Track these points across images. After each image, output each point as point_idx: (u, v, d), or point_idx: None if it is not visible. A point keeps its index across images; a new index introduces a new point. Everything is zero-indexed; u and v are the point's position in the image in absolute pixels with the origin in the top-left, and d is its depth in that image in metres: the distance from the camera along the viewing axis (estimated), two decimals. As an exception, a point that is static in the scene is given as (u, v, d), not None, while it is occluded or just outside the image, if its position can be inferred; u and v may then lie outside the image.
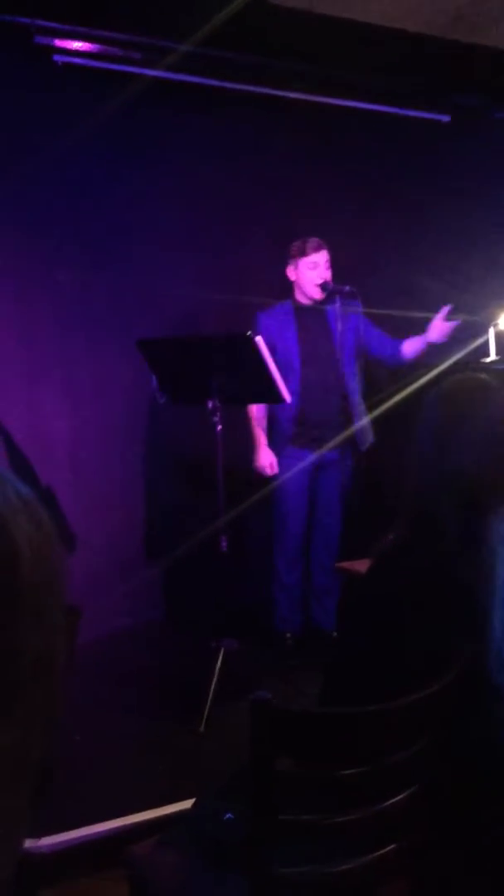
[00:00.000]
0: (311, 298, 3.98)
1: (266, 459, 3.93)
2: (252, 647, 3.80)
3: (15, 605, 0.42)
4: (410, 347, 4.07)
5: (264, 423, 3.98)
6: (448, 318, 3.95)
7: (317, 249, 3.93)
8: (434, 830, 1.49)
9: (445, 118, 4.98)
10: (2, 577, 0.42)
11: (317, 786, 1.41)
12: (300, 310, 4.01)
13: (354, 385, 4.05)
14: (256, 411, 3.95)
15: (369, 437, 4.08)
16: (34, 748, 0.44)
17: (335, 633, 4.01)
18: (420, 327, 4.06)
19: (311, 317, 4.01)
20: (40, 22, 3.83)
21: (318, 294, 3.94)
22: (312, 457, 3.97)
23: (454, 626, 1.49)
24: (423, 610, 1.52)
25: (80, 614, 3.38)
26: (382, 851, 1.42)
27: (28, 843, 2.46)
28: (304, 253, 3.92)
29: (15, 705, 0.42)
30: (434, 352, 4.08)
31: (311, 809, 1.39)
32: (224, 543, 3.42)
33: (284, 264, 4.04)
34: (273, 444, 3.97)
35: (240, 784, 1.58)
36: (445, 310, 3.95)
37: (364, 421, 4.04)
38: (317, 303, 3.99)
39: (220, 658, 3.34)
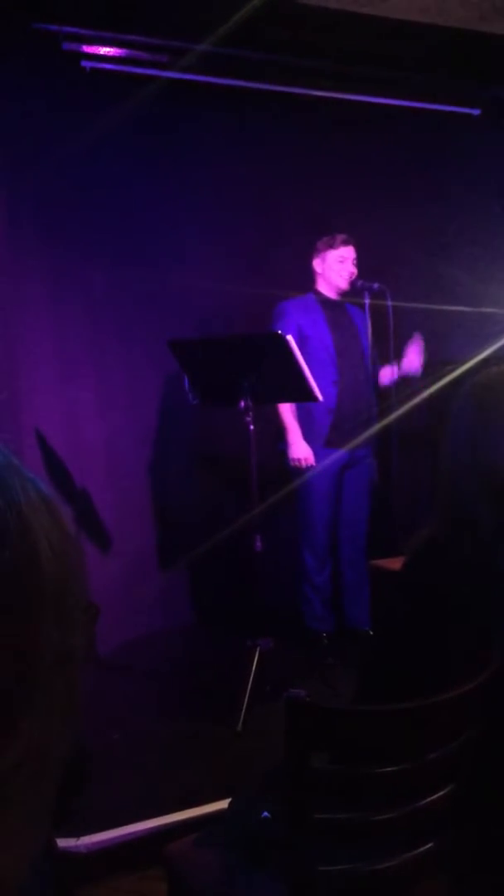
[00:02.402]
0: (338, 291, 3.98)
1: (301, 452, 3.83)
2: (287, 647, 3.80)
3: (36, 603, 0.42)
4: (386, 375, 4.09)
5: (296, 414, 3.90)
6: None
7: (345, 244, 3.95)
8: (473, 828, 1.48)
9: (476, 112, 4.94)
10: (23, 575, 0.42)
11: (353, 783, 1.40)
12: (326, 303, 4.01)
13: (374, 383, 4.08)
14: (289, 406, 3.88)
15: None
16: (57, 744, 0.45)
17: (370, 630, 4.00)
18: (449, 321, 4.04)
19: (337, 311, 4.02)
20: (68, 28, 3.88)
21: (346, 286, 3.95)
22: (342, 454, 3.95)
23: (493, 620, 1.48)
24: (462, 605, 1.50)
25: (98, 610, 3.41)
26: (420, 850, 1.41)
27: (67, 843, 2.48)
28: (332, 246, 3.94)
29: (36, 702, 0.42)
30: (464, 347, 4.05)
31: (348, 807, 1.38)
32: (258, 543, 3.42)
33: (310, 257, 4.05)
34: (306, 441, 3.90)
35: (276, 782, 1.58)
36: (417, 337, 3.96)
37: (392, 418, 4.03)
38: (342, 296, 3.99)
39: (256, 658, 3.34)
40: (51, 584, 0.43)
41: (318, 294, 4.02)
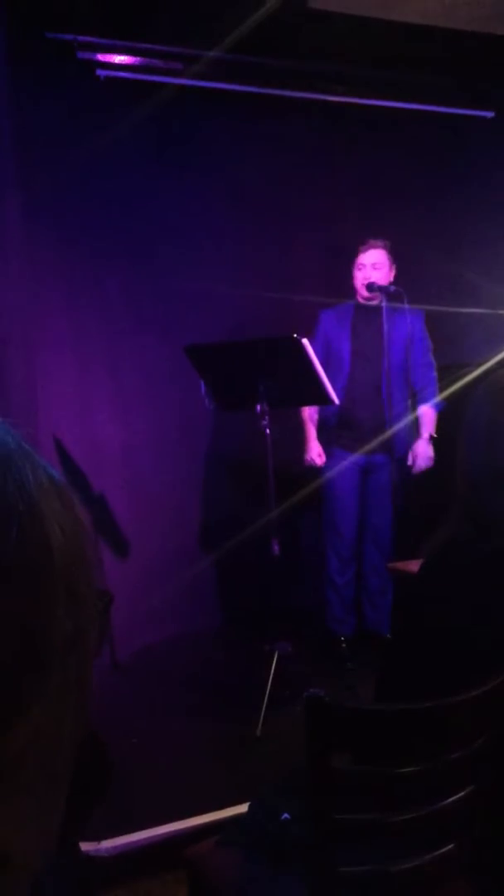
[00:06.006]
0: (362, 298, 3.99)
1: (314, 451, 4.00)
2: (305, 650, 3.79)
3: (47, 587, 0.42)
4: (424, 419, 4.04)
5: (315, 417, 4.05)
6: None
7: (364, 250, 3.95)
8: (496, 829, 1.47)
9: (489, 114, 4.93)
10: (33, 559, 0.42)
11: (374, 784, 1.40)
12: (358, 309, 4.03)
13: (398, 388, 3.99)
14: (308, 408, 4.03)
15: (406, 446, 4.03)
16: (68, 729, 0.45)
17: (389, 635, 3.98)
18: (466, 322, 4.01)
19: (366, 316, 4.00)
20: (83, 38, 3.91)
21: (365, 293, 3.94)
22: (360, 458, 3.95)
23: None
24: (481, 606, 1.50)
25: (112, 598, 3.40)
26: (443, 850, 1.40)
27: (90, 847, 2.49)
28: (355, 253, 3.96)
29: (47, 687, 0.42)
30: (481, 349, 4.03)
31: (369, 808, 1.38)
32: (276, 547, 3.42)
33: (339, 265, 4.12)
34: (320, 442, 4.03)
35: (296, 783, 1.58)
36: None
37: (402, 424, 3.98)
38: (368, 302, 3.98)
39: (274, 661, 3.34)
40: (62, 568, 0.43)
41: (355, 301, 4.05)
